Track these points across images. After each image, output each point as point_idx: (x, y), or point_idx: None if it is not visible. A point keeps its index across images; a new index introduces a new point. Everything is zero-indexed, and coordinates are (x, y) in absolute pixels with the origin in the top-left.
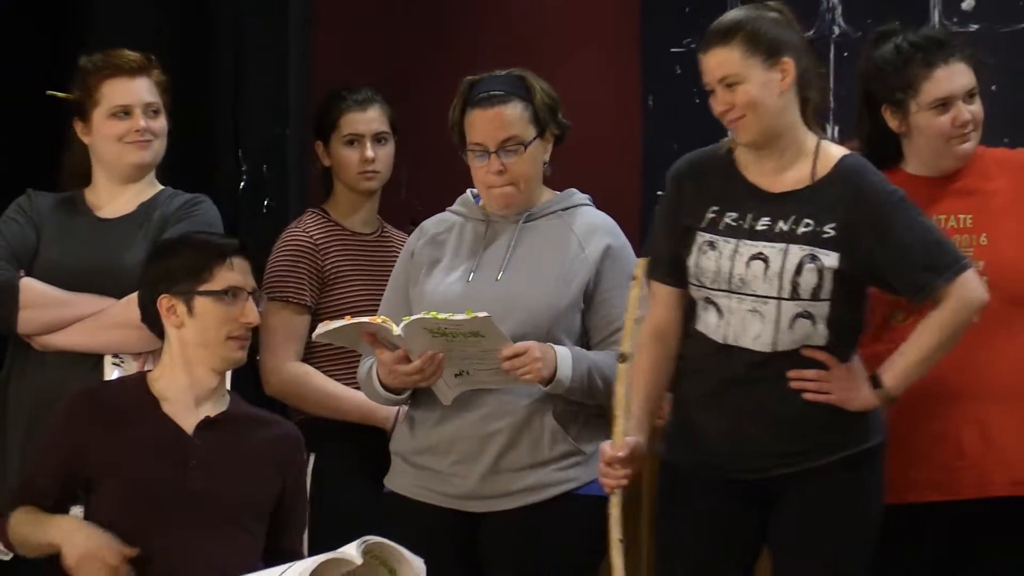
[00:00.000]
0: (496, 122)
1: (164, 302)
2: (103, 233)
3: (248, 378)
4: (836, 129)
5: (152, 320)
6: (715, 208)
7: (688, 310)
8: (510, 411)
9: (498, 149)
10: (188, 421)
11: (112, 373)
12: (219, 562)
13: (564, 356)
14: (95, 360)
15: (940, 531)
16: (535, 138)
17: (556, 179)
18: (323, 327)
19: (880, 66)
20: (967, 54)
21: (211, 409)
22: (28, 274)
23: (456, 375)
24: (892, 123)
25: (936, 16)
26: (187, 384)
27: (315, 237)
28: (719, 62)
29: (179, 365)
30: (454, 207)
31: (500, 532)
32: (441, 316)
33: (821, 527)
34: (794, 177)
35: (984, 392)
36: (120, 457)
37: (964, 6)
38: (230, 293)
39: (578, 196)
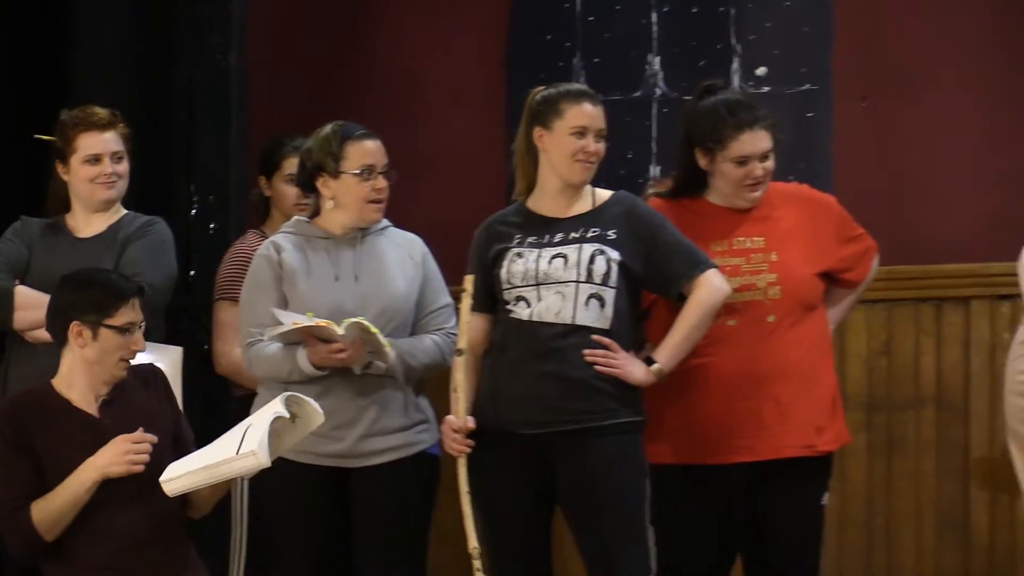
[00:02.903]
0: (379, 150)
1: (75, 327)
2: (80, 250)
3: (202, 363)
4: (658, 170)
5: (58, 334)
6: (519, 235)
7: (500, 311)
8: (378, 387)
9: (383, 170)
10: (92, 408)
11: None
12: (150, 511)
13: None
14: None
15: (748, 485)
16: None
17: (430, 213)
18: (273, 330)
19: (700, 116)
20: (769, 123)
21: (104, 394)
22: (22, 283)
23: (369, 352)
24: (702, 162)
25: (736, 80)
26: (87, 387)
27: (256, 251)
28: (598, 114)
29: (79, 373)
30: (290, 229)
31: (369, 482)
32: (373, 328)
33: (607, 478)
34: (579, 207)
35: (780, 375)
36: (54, 447)
37: (758, 72)
38: (127, 328)
39: (385, 221)
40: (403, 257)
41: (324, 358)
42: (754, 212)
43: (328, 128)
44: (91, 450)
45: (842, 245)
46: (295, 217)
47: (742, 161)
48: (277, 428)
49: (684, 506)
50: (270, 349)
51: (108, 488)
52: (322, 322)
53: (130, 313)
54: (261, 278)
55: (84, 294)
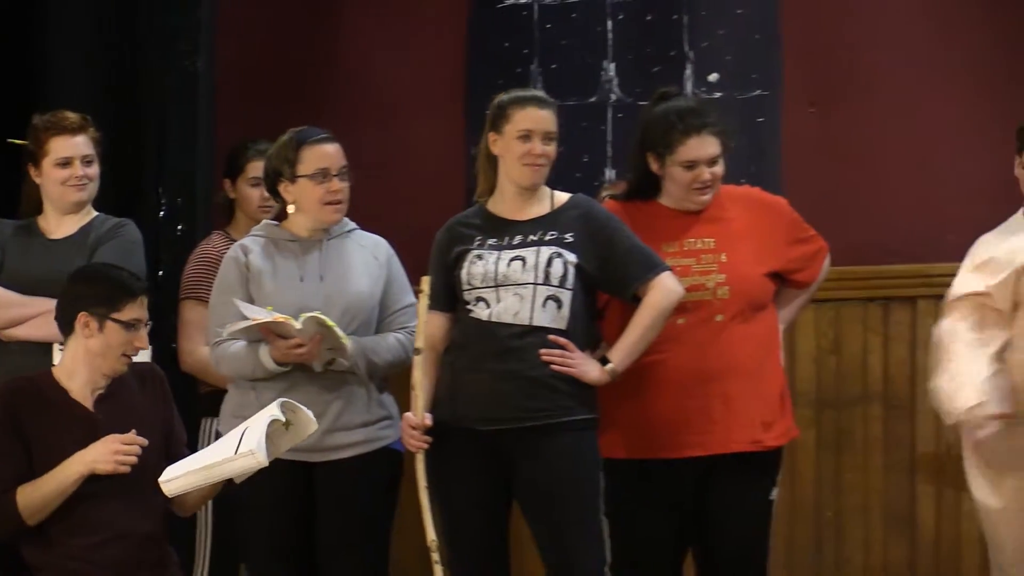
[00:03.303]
0: (337, 154)
1: (82, 317)
2: (52, 251)
3: (172, 360)
4: (613, 172)
5: (66, 323)
6: (479, 237)
7: (460, 310)
8: (341, 383)
9: (338, 173)
10: (89, 402)
11: (58, 357)
12: (135, 507)
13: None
14: (46, 347)
15: (697, 478)
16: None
17: (392, 215)
18: (233, 325)
19: (652, 122)
20: (718, 129)
21: (101, 389)
22: None
23: (327, 349)
24: (653, 166)
25: (689, 86)
26: (86, 378)
27: (221, 252)
28: (549, 118)
29: (81, 363)
30: (259, 232)
31: (333, 476)
32: (330, 322)
33: (562, 474)
34: (537, 210)
35: (728, 372)
36: (48, 436)
37: (710, 78)
38: (133, 324)
39: (351, 223)
40: (367, 258)
41: (284, 354)
42: (705, 214)
43: (286, 135)
44: (82, 442)
45: (792, 246)
46: (264, 220)
47: (690, 165)
48: (271, 432)
49: (636, 499)
50: (235, 348)
51: (95, 482)
52: (280, 317)
53: (137, 310)
54: (229, 280)
55: (95, 287)
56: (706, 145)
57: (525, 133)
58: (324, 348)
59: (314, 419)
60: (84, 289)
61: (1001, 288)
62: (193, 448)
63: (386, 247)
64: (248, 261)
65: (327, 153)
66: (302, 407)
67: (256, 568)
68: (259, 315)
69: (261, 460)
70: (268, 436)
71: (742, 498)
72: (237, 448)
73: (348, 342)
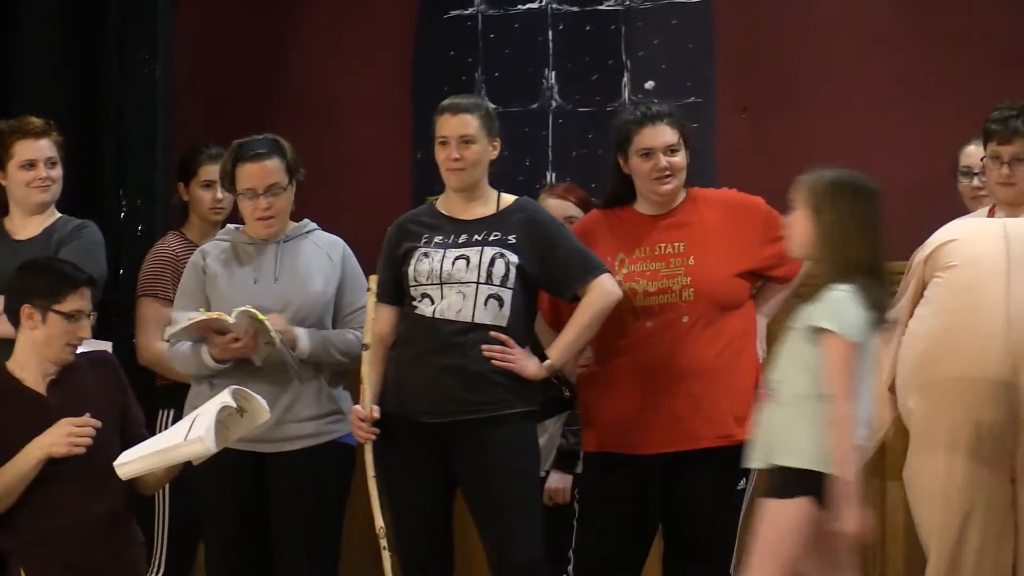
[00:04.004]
0: (262, 173)
1: (26, 309)
2: (17, 251)
3: (131, 355)
4: (553, 176)
5: (12, 316)
6: (427, 235)
7: (407, 306)
8: (291, 377)
9: (264, 192)
10: (42, 388)
11: None
12: (96, 489)
13: (302, 333)
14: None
15: (666, 472)
16: (288, 184)
17: (340, 217)
18: (171, 329)
19: (617, 124)
20: (673, 119)
21: (53, 374)
22: None
23: (265, 343)
24: (624, 168)
25: (626, 93)
26: (36, 367)
27: (176, 251)
28: (464, 123)
29: (30, 356)
30: (222, 236)
31: (285, 467)
32: (260, 316)
33: (503, 464)
34: (483, 210)
35: (694, 372)
36: (5, 427)
37: (646, 86)
38: (74, 315)
39: (310, 223)
40: (322, 258)
41: (223, 350)
42: (677, 218)
43: (232, 146)
44: (38, 427)
45: (767, 245)
46: (228, 225)
47: (646, 153)
48: (224, 419)
49: (603, 491)
50: (183, 348)
51: (55, 465)
52: (213, 314)
53: (78, 301)
54: (187, 284)
55: (37, 280)
56: (661, 133)
57: (443, 139)
58: (261, 342)
59: (267, 407)
60: (27, 282)
61: (916, 269)
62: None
63: (342, 247)
64: (206, 265)
65: (254, 173)
66: (255, 395)
67: (211, 555)
68: (193, 316)
69: (209, 446)
70: (221, 422)
71: (711, 489)
72: (187, 434)
73: (276, 334)
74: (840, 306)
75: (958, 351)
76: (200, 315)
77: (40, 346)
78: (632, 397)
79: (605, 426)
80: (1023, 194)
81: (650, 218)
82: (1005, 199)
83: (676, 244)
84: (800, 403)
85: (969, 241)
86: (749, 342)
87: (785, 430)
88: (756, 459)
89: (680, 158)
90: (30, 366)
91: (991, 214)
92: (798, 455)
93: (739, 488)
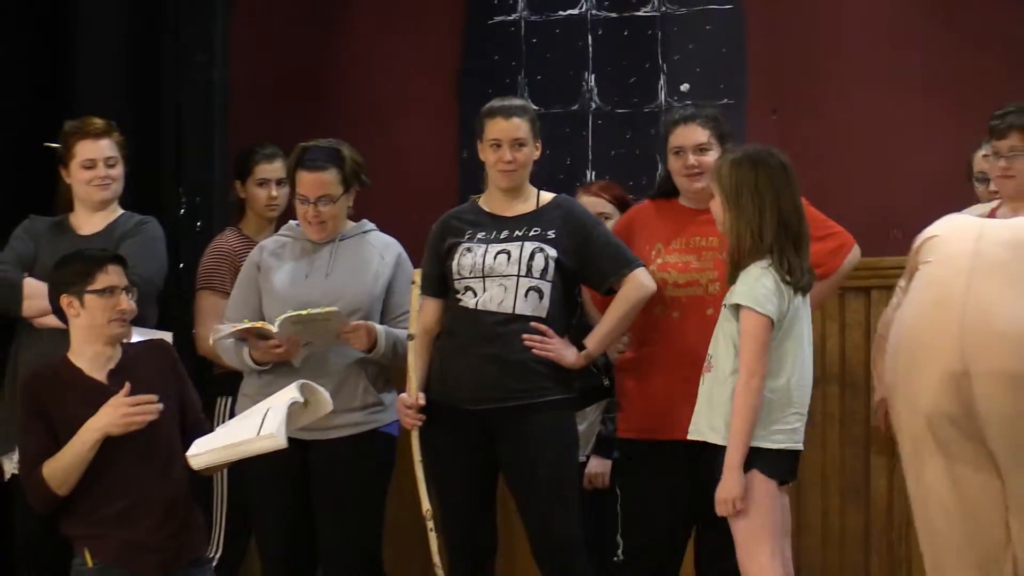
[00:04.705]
0: (316, 183)
1: (64, 300)
2: (80, 246)
3: (190, 345)
4: (593, 174)
5: (58, 312)
6: (470, 231)
7: (451, 299)
8: (334, 370)
9: (316, 201)
10: (102, 376)
11: None
12: (157, 471)
13: (381, 331)
14: None
15: (691, 459)
16: (343, 194)
17: (388, 212)
18: (216, 333)
19: (663, 123)
20: (707, 120)
21: (113, 364)
22: (29, 275)
23: (304, 345)
24: (667, 164)
25: (662, 96)
26: (93, 354)
27: (233, 246)
28: (516, 126)
29: (83, 342)
30: (284, 233)
31: (328, 454)
32: (304, 312)
33: (544, 446)
34: (523, 207)
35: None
36: (71, 412)
37: (682, 88)
38: (108, 291)
39: (368, 224)
40: (375, 258)
41: (264, 353)
42: (711, 213)
43: (296, 149)
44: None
45: None
46: (291, 222)
47: (677, 151)
48: (290, 412)
49: (640, 476)
50: (227, 343)
51: (117, 450)
52: (257, 324)
53: (110, 278)
54: (244, 277)
55: (67, 269)
56: (692, 133)
57: (495, 142)
58: (301, 343)
59: (330, 400)
60: (58, 276)
61: (909, 259)
62: (210, 423)
63: (396, 249)
64: (261, 260)
65: (308, 182)
66: (320, 388)
67: (261, 539)
68: (238, 325)
69: (281, 443)
70: (288, 415)
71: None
72: (259, 429)
73: (324, 310)
74: (754, 282)
75: (920, 345)
76: (244, 324)
77: (88, 330)
78: (661, 385)
79: (636, 412)
80: (1022, 188)
81: (691, 211)
82: (1005, 192)
83: (710, 239)
84: (727, 379)
85: (946, 239)
86: None
87: (717, 405)
88: (693, 432)
89: (711, 157)
90: (87, 354)
91: (993, 213)
92: (719, 431)
93: None
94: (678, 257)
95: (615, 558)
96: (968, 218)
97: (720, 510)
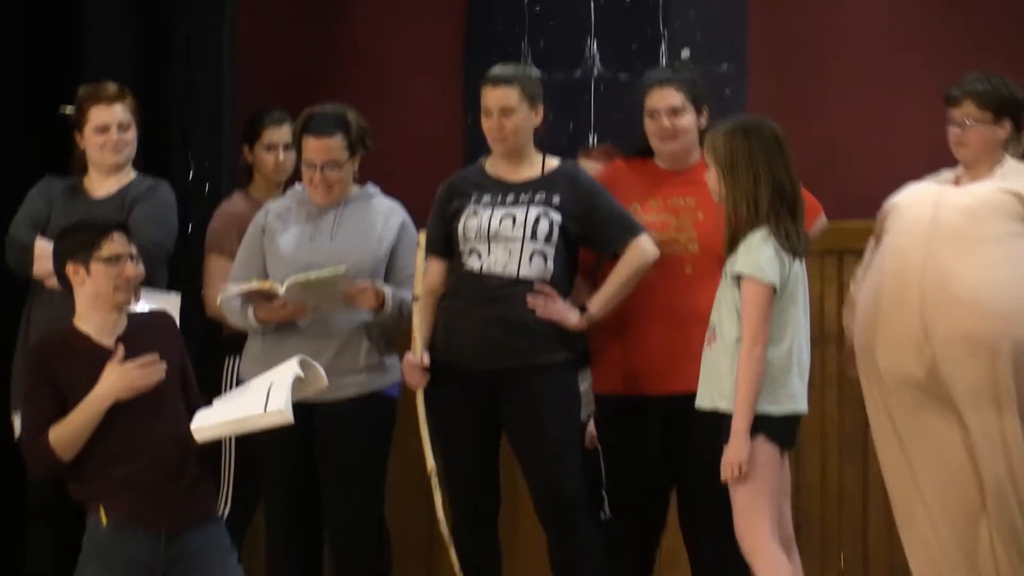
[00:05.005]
0: (322, 149)
1: (70, 267)
2: (92, 209)
3: (199, 305)
4: (595, 138)
5: (63, 280)
6: (476, 195)
7: (455, 261)
8: (337, 332)
9: (322, 166)
10: (109, 342)
11: None
12: (165, 431)
13: (388, 291)
14: None
15: (667, 414)
16: (348, 159)
17: (394, 176)
18: (223, 293)
19: (638, 87)
20: (681, 83)
21: (119, 330)
22: (42, 235)
23: (313, 309)
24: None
25: (664, 61)
26: (100, 321)
27: (241, 209)
28: (504, 95)
29: (90, 309)
30: (289, 195)
31: (332, 416)
32: (312, 276)
33: (547, 407)
34: (529, 173)
35: (692, 320)
36: (77, 379)
37: (683, 54)
38: (114, 258)
39: (372, 188)
40: (380, 221)
41: (269, 312)
42: (691, 175)
43: (302, 114)
44: None
45: None
46: (296, 185)
47: (652, 114)
48: (292, 386)
49: (617, 431)
50: (233, 303)
51: (121, 413)
52: (265, 284)
53: (114, 246)
54: (249, 239)
55: (72, 238)
56: (665, 96)
57: (485, 110)
58: (310, 307)
59: (325, 376)
60: (63, 244)
61: (876, 227)
62: (218, 383)
63: (400, 214)
64: (266, 223)
65: (314, 147)
66: (316, 364)
67: (268, 500)
68: (244, 285)
69: (288, 418)
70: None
71: (707, 430)
72: (266, 405)
73: (330, 271)
74: (755, 251)
75: (883, 313)
76: (252, 284)
77: (94, 298)
78: (639, 342)
79: (615, 368)
80: (977, 156)
81: (666, 172)
82: (961, 159)
83: (687, 199)
84: (733, 347)
85: (905, 206)
86: None
87: (724, 373)
88: (703, 401)
89: (686, 120)
90: (93, 320)
91: (958, 181)
92: (728, 398)
93: None
94: (657, 216)
95: (601, 514)
96: (928, 185)
97: (725, 474)
